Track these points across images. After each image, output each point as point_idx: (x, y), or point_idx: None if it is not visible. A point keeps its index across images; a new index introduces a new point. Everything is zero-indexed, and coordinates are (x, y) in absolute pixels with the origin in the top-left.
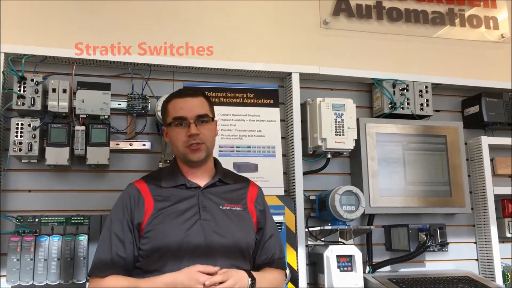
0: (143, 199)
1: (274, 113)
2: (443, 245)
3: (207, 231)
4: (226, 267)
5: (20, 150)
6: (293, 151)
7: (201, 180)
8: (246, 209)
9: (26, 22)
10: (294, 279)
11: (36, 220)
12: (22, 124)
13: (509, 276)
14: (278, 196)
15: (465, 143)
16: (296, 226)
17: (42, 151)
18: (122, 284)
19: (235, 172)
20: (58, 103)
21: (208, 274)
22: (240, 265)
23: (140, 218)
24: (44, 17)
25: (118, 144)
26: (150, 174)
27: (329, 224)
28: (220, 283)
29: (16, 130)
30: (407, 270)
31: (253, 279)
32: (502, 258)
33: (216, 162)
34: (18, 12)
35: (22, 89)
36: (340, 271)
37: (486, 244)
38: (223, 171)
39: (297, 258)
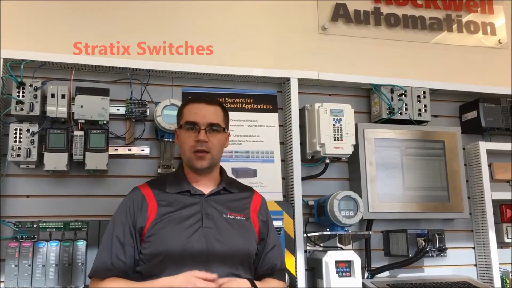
0: (147, 203)
1: (273, 118)
2: (442, 250)
3: (209, 238)
4: (226, 275)
5: (18, 155)
6: (291, 156)
7: (206, 187)
8: (249, 219)
9: (25, 27)
10: (292, 284)
11: (34, 225)
12: (20, 130)
13: (508, 281)
14: (277, 202)
15: (463, 149)
16: (294, 232)
17: (40, 156)
18: (120, 286)
19: (240, 181)
20: (56, 109)
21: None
22: (240, 274)
23: (143, 222)
24: (42, 21)
25: (116, 150)
26: (155, 179)
27: (328, 230)
28: None
29: (14, 135)
30: (405, 275)
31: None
32: (500, 263)
33: (222, 171)
34: (17, 17)
35: (20, 94)
36: (339, 276)
37: (484, 249)
38: (229, 179)
39: (296, 264)
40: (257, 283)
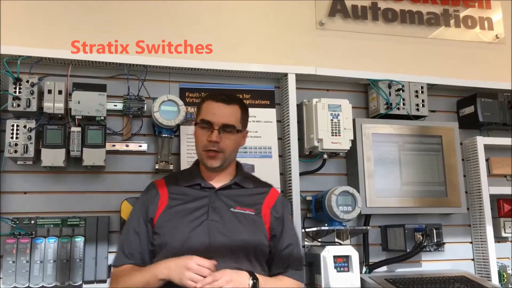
0: (159, 195)
1: (271, 114)
2: (439, 245)
3: (212, 232)
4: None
5: (15, 151)
6: (289, 152)
7: (218, 182)
8: (259, 214)
9: (22, 23)
10: None
11: (32, 222)
12: (17, 126)
13: (505, 275)
14: None
15: (461, 143)
16: None
17: (37, 152)
18: (131, 271)
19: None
20: (53, 105)
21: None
22: (245, 269)
23: (153, 213)
24: (40, 17)
25: (114, 146)
26: (172, 173)
27: (326, 225)
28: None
29: (11, 131)
30: (403, 270)
31: (256, 279)
32: (498, 258)
33: (238, 166)
34: (14, 13)
35: (17, 90)
36: (337, 271)
37: (482, 244)
38: (244, 175)
39: None
40: (260, 276)
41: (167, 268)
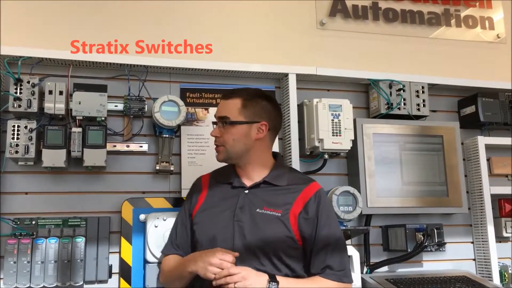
0: (201, 190)
1: None
2: (441, 245)
3: (237, 233)
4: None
5: (16, 152)
6: (290, 152)
7: (250, 179)
8: (286, 215)
9: (22, 23)
10: None
11: (33, 222)
12: (18, 126)
13: (506, 275)
14: None
15: (462, 143)
16: None
17: (38, 153)
18: (173, 261)
19: (299, 172)
20: (54, 105)
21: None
22: (268, 271)
23: (192, 209)
24: (40, 17)
25: (115, 146)
26: (218, 168)
27: None
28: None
29: (12, 132)
30: (404, 270)
31: (275, 282)
32: (499, 258)
33: (278, 161)
34: (14, 13)
35: (18, 91)
36: None
37: (483, 244)
38: (280, 171)
39: None
40: (288, 279)
41: (194, 263)
